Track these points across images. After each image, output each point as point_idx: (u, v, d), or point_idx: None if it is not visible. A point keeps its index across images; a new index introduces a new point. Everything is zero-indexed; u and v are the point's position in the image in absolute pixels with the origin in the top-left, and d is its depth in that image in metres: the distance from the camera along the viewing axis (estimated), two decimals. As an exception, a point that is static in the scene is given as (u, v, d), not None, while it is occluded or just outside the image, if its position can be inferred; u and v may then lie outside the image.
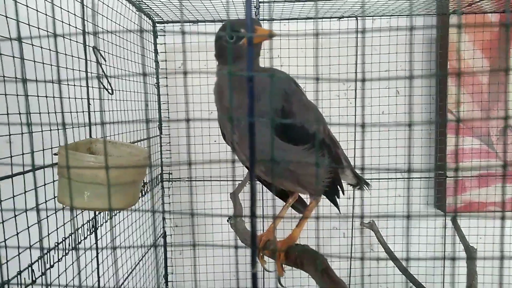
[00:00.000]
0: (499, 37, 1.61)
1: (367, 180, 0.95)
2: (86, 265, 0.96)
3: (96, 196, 0.80)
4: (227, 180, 1.68)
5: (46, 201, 0.81)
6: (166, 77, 1.65)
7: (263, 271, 0.79)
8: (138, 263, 1.40)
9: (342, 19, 1.59)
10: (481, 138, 1.65)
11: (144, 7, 1.38)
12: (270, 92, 0.67)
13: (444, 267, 1.72)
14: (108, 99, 1.14)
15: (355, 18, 1.59)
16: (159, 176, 1.66)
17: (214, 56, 0.75)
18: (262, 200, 1.68)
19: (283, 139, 0.70)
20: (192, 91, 1.66)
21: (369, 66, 1.65)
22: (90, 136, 1.01)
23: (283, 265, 0.77)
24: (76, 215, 0.93)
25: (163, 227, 1.69)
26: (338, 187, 0.82)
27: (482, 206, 1.68)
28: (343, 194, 0.84)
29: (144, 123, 1.47)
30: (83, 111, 0.99)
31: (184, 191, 1.69)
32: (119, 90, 1.25)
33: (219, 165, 1.69)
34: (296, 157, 0.69)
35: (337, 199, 0.83)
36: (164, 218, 1.69)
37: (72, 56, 0.94)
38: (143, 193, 1.34)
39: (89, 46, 1.02)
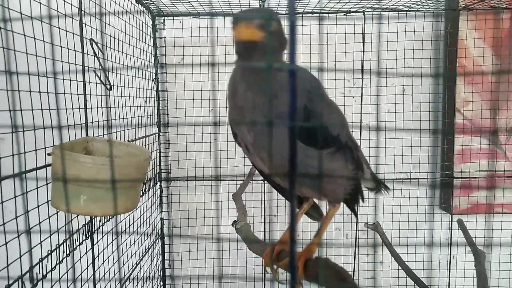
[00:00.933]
0: (510, 34, 1.56)
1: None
2: (81, 272, 0.91)
3: (93, 200, 0.74)
4: (228, 180, 1.62)
5: (38, 206, 0.75)
6: (166, 72, 1.58)
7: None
8: (135, 267, 1.34)
9: (348, 14, 1.54)
10: (489, 138, 1.61)
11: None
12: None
13: (449, 270, 1.68)
14: (106, 95, 1.08)
15: (362, 13, 1.54)
16: (157, 175, 1.60)
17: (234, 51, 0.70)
18: (265, 200, 1.62)
19: (304, 142, 0.65)
20: (193, 87, 1.60)
21: (375, 63, 1.59)
22: (87, 134, 0.95)
23: (301, 281, 0.71)
24: (72, 219, 0.87)
25: (161, 228, 1.63)
26: (359, 194, 0.77)
27: (489, 208, 1.64)
28: (363, 202, 0.79)
29: (142, 121, 1.41)
30: (79, 108, 0.92)
31: (183, 191, 1.64)
32: (118, 86, 1.19)
33: (220, 164, 1.63)
34: (315, 161, 0.64)
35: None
36: (162, 219, 1.63)
37: (68, 48, 0.88)
38: (142, 194, 1.28)
39: (86, 38, 0.96)
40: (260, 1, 1.30)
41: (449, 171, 1.62)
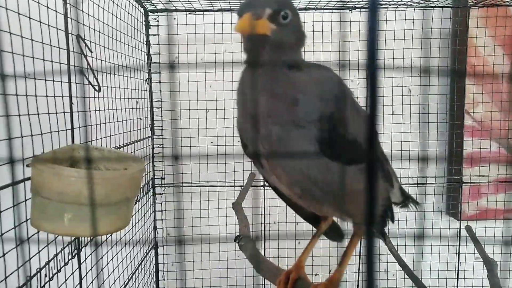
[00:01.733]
0: (521, 32, 1.49)
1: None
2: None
3: (79, 219, 0.64)
4: (226, 186, 1.53)
5: (15, 227, 0.65)
6: (160, 72, 1.49)
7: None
8: (128, 282, 1.24)
9: (354, 10, 1.45)
10: (499, 141, 1.54)
11: (135, -8, 1.22)
12: (313, 93, 0.52)
13: (457, 278, 1.61)
14: (94, 97, 0.98)
15: (368, 9, 1.45)
16: (151, 181, 1.50)
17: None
18: (264, 207, 1.54)
19: (330, 157, 0.55)
20: (188, 87, 1.50)
21: (381, 62, 1.51)
22: (73, 141, 0.85)
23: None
24: (55, 238, 0.77)
25: (155, 237, 1.54)
26: (390, 213, 0.68)
27: (499, 214, 1.57)
28: (393, 222, 0.70)
29: (135, 124, 1.31)
30: (63, 112, 0.83)
31: (178, 197, 1.54)
32: (107, 87, 1.09)
33: (217, 169, 1.54)
34: (344, 179, 0.55)
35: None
36: (155, 228, 1.53)
37: (51, 45, 0.78)
38: (134, 202, 1.19)
39: (72, 34, 0.86)
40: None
41: (458, 176, 1.55)
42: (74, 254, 0.83)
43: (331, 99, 0.55)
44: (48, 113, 0.77)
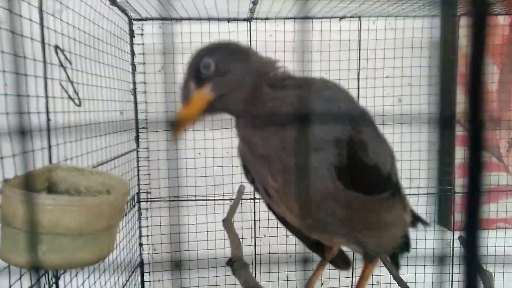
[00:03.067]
0: (509, 41, 1.49)
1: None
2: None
3: (55, 251, 0.59)
4: (215, 200, 1.48)
5: (-17, 262, 0.59)
6: (145, 82, 1.43)
7: None
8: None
9: (343, 19, 1.43)
10: (490, 150, 1.52)
11: (119, 0, 1.17)
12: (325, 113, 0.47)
13: (451, 290, 1.58)
14: (75, 111, 0.92)
15: (357, 19, 1.43)
16: (136, 196, 1.44)
17: None
18: (255, 220, 1.49)
19: (346, 185, 0.50)
20: (174, 98, 1.44)
21: (371, 71, 1.49)
22: (50, 160, 0.79)
23: None
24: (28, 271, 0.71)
25: (140, 254, 1.47)
26: (407, 243, 0.64)
27: (491, 223, 1.55)
28: (408, 252, 0.66)
29: (118, 137, 1.25)
30: (40, 130, 0.77)
31: (165, 212, 1.48)
32: (89, 99, 1.03)
33: (205, 182, 1.49)
34: (363, 211, 0.50)
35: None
36: (141, 245, 1.47)
37: (24, 57, 0.72)
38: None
39: (49, 45, 0.81)
40: (251, 4, 1.17)
41: (450, 185, 1.53)
42: (51, 283, 0.76)
43: (349, 121, 0.50)
44: (21, 132, 0.71)
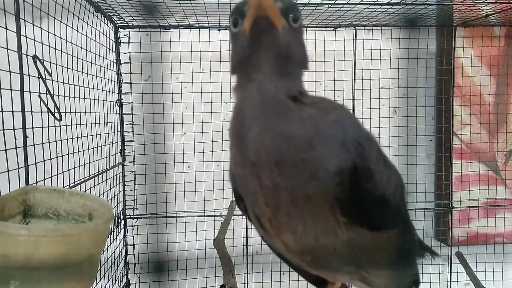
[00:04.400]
0: (506, 52, 1.47)
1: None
2: None
3: (30, 286, 0.52)
4: (205, 216, 1.41)
5: None
6: (131, 93, 1.36)
7: None
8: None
9: (338, 28, 1.39)
10: (488, 163, 1.49)
11: (104, 7, 1.11)
12: (332, 138, 0.41)
13: (449, 307, 1.54)
14: (55, 126, 0.85)
15: (353, 28, 1.39)
16: (121, 212, 1.36)
17: (230, 70, 0.49)
18: (247, 237, 1.42)
19: (350, 219, 0.44)
20: (163, 109, 1.38)
21: (367, 82, 1.45)
22: (27, 181, 0.72)
23: None
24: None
25: (126, 274, 1.39)
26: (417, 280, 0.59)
27: (489, 238, 1.51)
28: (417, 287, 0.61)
29: (103, 151, 1.18)
30: (15, 147, 0.70)
31: (152, 230, 1.40)
32: (70, 112, 0.96)
33: (195, 197, 1.42)
34: (370, 248, 0.45)
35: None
36: (127, 264, 1.39)
37: (-2, 69, 0.66)
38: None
39: (26, 55, 0.74)
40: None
41: (447, 200, 1.49)
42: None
43: (354, 147, 0.44)
44: (-6, 151, 0.64)
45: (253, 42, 0.44)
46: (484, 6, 1.18)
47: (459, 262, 1.45)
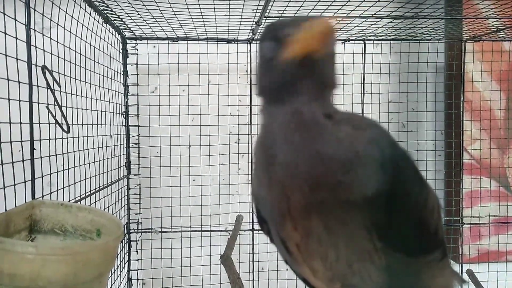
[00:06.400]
0: (515, 67, 1.45)
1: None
2: None
3: (35, 308, 0.49)
4: (211, 231, 1.38)
5: None
6: (138, 105, 1.35)
7: None
8: None
9: (348, 42, 1.38)
10: (499, 179, 1.47)
11: (113, 18, 1.10)
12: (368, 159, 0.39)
13: (460, 327, 1.49)
14: (62, 138, 0.83)
15: (362, 42, 1.38)
16: (125, 226, 1.33)
17: (257, 91, 0.47)
18: (253, 253, 1.39)
19: (386, 244, 0.42)
20: (169, 121, 1.37)
21: (376, 96, 1.43)
22: (33, 195, 0.69)
23: None
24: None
25: (130, 290, 1.35)
26: None
27: (501, 256, 1.48)
28: None
29: (108, 164, 1.16)
30: (23, 160, 0.67)
31: (157, 244, 1.37)
32: (78, 124, 0.94)
33: (201, 211, 1.39)
34: (406, 275, 0.42)
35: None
36: (130, 280, 1.35)
37: (8, 79, 0.64)
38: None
39: (36, 65, 0.72)
40: (254, 25, 1.11)
41: (457, 217, 1.46)
42: None
43: (391, 166, 0.42)
44: (1, 163, 0.62)
45: (293, 69, 0.41)
46: (497, 21, 1.17)
47: (470, 280, 1.42)
